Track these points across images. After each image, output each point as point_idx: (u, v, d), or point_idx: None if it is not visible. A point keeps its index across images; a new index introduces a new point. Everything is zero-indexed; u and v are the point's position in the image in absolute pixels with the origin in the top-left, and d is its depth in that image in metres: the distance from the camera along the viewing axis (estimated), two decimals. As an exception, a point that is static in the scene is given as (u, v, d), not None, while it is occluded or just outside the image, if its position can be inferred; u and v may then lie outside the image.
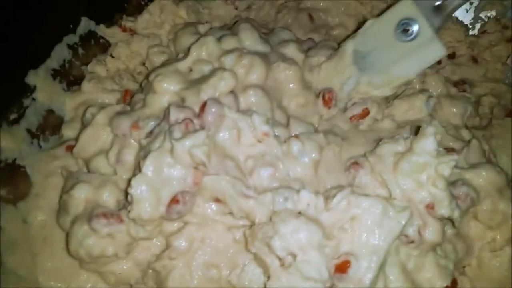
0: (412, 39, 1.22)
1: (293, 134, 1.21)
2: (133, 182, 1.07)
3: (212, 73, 1.24)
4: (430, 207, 1.06)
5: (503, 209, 1.18)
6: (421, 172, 1.06)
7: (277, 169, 1.12)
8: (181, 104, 1.22)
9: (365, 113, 1.31)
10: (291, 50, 1.39)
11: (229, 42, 1.33)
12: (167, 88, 1.24)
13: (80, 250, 1.14)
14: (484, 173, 1.19)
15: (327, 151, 1.19)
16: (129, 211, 1.07)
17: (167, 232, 1.15)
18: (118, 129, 1.24)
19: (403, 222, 1.01)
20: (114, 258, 1.15)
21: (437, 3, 1.23)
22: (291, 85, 1.33)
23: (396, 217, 1.01)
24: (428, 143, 1.06)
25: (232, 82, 1.22)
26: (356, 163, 1.17)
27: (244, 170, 1.12)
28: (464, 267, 1.22)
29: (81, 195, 1.19)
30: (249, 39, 1.35)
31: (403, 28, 1.23)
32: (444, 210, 1.05)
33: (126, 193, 1.09)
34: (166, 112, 1.18)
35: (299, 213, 1.03)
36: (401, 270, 1.05)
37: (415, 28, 1.22)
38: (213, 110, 1.14)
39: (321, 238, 0.99)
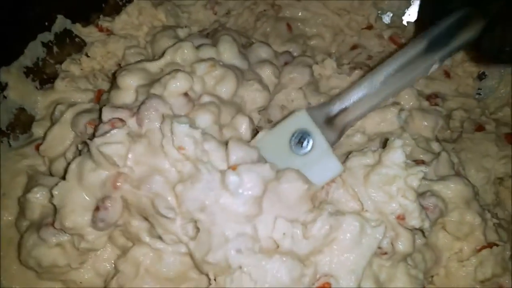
0: (307, 152, 1.13)
1: (232, 161, 1.05)
2: (53, 191, 1.06)
3: (169, 72, 1.19)
4: (401, 218, 1.07)
5: (470, 221, 1.20)
6: (391, 184, 1.07)
7: (207, 198, 1.00)
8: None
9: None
10: (266, 74, 1.39)
11: (207, 52, 1.31)
12: (130, 84, 1.20)
13: (30, 259, 1.12)
14: (452, 185, 1.21)
15: (278, 184, 1.05)
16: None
17: (119, 243, 1.12)
18: (76, 127, 1.22)
19: (380, 237, 1.02)
20: (68, 268, 1.12)
21: (329, 115, 1.17)
22: (254, 107, 1.33)
23: (373, 233, 1.02)
24: (396, 155, 1.07)
25: (185, 84, 1.15)
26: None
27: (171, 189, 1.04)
28: (432, 276, 1.23)
29: (37, 200, 1.16)
30: (227, 52, 1.33)
31: (298, 140, 1.13)
32: (414, 221, 1.06)
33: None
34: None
35: (277, 246, 1.01)
36: (374, 282, 1.06)
37: (310, 140, 1.13)
38: (148, 106, 1.09)
39: (300, 271, 1.00)
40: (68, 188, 1.06)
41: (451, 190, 1.21)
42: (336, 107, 1.17)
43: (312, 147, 1.13)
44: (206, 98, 1.20)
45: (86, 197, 1.06)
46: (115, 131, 1.03)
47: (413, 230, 1.10)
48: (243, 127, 1.24)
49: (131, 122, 1.10)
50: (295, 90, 1.46)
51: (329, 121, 1.17)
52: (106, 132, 1.04)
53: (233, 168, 1.02)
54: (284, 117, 1.19)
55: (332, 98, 1.22)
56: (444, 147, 1.36)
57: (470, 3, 1.15)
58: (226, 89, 1.24)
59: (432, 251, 1.20)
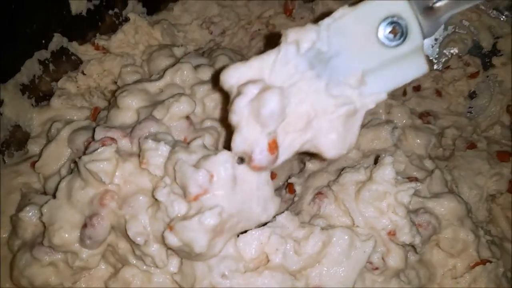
0: (396, 45, 0.88)
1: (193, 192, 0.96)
2: (42, 209, 1.06)
3: (173, 96, 1.21)
4: (392, 234, 1.10)
5: (463, 238, 1.22)
6: (381, 200, 1.09)
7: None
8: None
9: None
10: None
11: (206, 73, 1.33)
12: (130, 104, 1.22)
13: (22, 279, 1.11)
14: (445, 203, 1.23)
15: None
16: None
17: (111, 261, 1.12)
18: (73, 144, 1.23)
19: (369, 251, 1.03)
20: None
21: (431, 3, 0.89)
22: None
23: (362, 247, 1.03)
24: (386, 172, 1.09)
25: (187, 108, 1.17)
26: (320, 193, 1.19)
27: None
28: (426, 293, 1.24)
29: (29, 219, 1.15)
30: None
31: (390, 28, 0.88)
32: (405, 236, 1.08)
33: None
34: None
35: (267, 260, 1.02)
36: (367, 297, 1.07)
37: (405, 31, 0.88)
38: (141, 126, 1.11)
39: (291, 285, 1.01)
40: (57, 206, 1.07)
41: (444, 207, 1.23)
42: None
43: (404, 39, 0.88)
44: (207, 123, 1.22)
45: (75, 215, 1.06)
46: (102, 148, 1.04)
47: (404, 246, 1.11)
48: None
49: (124, 141, 1.12)
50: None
51: (429, 10, 0.90)
52: (95, 150, 1.05)
53: (170, 228, 0.93)
54: None
55: None
56: (437, 164, 1.38)
57: None
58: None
59: (426, 268, 1.21)
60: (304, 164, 1.35)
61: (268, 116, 0.84)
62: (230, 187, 0.93)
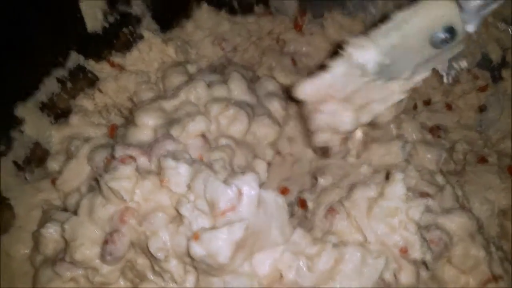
0: (446, 45, 1.03)
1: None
2: (65, 225, 1.09)
3: (188, 114, 1.25)
4: (403, 251, 1.10)
5: (474, 254, 1.22)
6: (393, 217, 1.11)
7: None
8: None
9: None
10: (275, 107, 1.45)
11: (219, 90, 1.37)
12: (147, 122, 1.26)
13: None
14: (456, 219, 1.24)
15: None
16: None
17: (130, 277, 1.14)
18: (93, 162, 1.26)
19: (381, 268, 1.05)
20: None
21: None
22: (265, 142, 1.38)
23: (374, 264, 1.05)
24: (397, 188, 1.11)
25: (202, 126, 1.22)
26: (332, 209, 1.21)
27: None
28: (438, 310, 1.25)
29: (51, 235, 1.19)
30: (237, 89, 1.40)
31: (443, 36, 1.01)
32: (416, 253, 1.09)
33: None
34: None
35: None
36: (381, 314, 1.08)
37: (454, 34, 1.01)
38: (160, 145, 1.14)
39: None
40: (78, 222, 1.10)
41: (455, 223, 1.23)
42: None
43: (453, 39, 1.02)
44: (222, 141, 1.24)
45: (96, 231, 1.09)
46: (123, 167, 1.07)
47: (416, 263, 1.12)
48: (261, 171, 1.29)
49: (142, 159, 1.15)
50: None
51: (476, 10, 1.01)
52: (115, 168, 1.08)
53: (195, 237, 0.97)
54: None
55: None
56: (448, 180, 1.39)
57: None
58: (239, 128, 1.29)
59: (438, 284, 1.21)
60: (316, 179, 1.37)
61: (343, 131, 1.15)
62: (255, 206, 0.98)
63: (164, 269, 1.05)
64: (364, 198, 1.17)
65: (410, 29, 1.01)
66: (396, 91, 1.09)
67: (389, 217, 1.11)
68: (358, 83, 1.06)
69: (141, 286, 1.12)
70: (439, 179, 1.38)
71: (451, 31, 1.01)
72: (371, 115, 1.15)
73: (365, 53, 1.02)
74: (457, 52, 1.07)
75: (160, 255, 1.02)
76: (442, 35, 1.01)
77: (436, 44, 1.02)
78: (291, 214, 1.34)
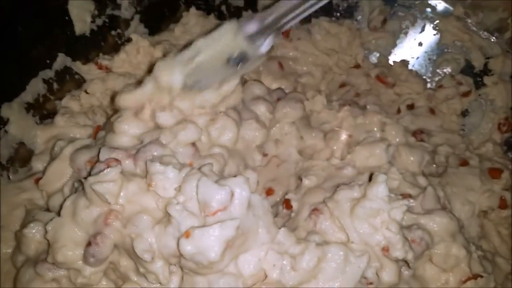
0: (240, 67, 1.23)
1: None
2: (47, 226, 1.09)
3: (179, 122, 1.24)
4: (385, 250, 1.13)
5: (455, 253, 1.24)
6: (375, 217, 1.12)
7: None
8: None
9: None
10: (261, 110, 1.46)
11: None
12: (125, 130, 1.23)
13: None
14: (438, 219, 1.26)
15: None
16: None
17: (113, 278, 1.14)
18: (74, 163, 1.25)
19: (363, 266, 1.06)
20: None
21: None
22: (253, 145, 1.39)
23: (357, 262, 1.07)
24: (380, 189, 1.13)
25: (194, 135, 1.21)
26: (316, 209, 1.23)
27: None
28: (419, 308, 1.26)
29: (33, 235, 1.18)
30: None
31: (237, 60, 1.21)
32: (398, 252, 1.11)
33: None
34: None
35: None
36: (363, 313, 1.09)
37: (246, 59, 1.22)
38: (146, 149, 1.14)
39: None
40: (61, 223, 1.09)
41: (437, 223, 1.26)
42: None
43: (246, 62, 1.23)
44: (215, 150, 1.26)
45: (79, 233, 1.08)
46: (108, 170, 1.07)
47: (398, 262, 1.14)
48: (251, 181, 1.28)
49: (128, 162, 1.15)
50: (288, 124, 1.52)
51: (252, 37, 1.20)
52: (101, 171, 1.08)
53: (186, 234, 0.99)
54: (214, 32, 1.21)
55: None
56: (430, 181, 1.41)
57: None
58: (228, 137, 1.30)
59: (419, 283, 1.23)
60: (301, 180, 1.38)
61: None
62: (245, 207, 1.01)
63: (149, 270, 1.05)
64: (348, 198, 1.19)
65: (209, 54, 1.20)
66: (211, 98, 1.26)
67: (371, 217, 1.13)
68: (168, 98, 1.22)
69: (124, 287, 1.12)
70: (421, 180, 1.40)
71: (243, 55, 1.20)
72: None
73: (170, 75, 1.19)
74: (258, 63, 1.32)
75: (147, 256, 1.02)
76: (236, 59, 1.20)
77: (233, 65, 1.21)
78: (276, 214, 1.35)
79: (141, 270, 1.07)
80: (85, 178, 1.09)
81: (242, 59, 1.21)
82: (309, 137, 1.53)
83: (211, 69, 1.22)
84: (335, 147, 1.51)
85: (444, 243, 1.25)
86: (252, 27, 1.18)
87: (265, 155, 1.50)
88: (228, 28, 1.19)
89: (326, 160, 1.44)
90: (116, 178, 1.06)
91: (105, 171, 1.07)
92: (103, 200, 1.05)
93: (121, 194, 1.07)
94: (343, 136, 1.54)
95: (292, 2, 1.15)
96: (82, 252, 1.07)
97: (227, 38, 1.19)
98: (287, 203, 1.33)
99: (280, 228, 1.10)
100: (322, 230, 1.20)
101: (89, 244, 1.06)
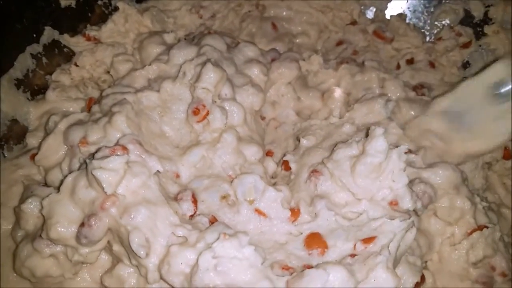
0: (504, 102, 1.20)
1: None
2: (43, 202, 1.07)
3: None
4: (394, 204, 1.08)
5: (460, 206, 1.23)
6: (377, 172, 1.09)
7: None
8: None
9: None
10: (255, 73, 1.42)
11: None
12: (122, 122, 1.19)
13: (23, 269, 1.12)
14: (440, 172, 1.24)
15: None
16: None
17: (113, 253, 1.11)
18: (67, 140, 1.23)
19: None
20: (62, 278, 1.13)
21: None
22: (252, 111, 1.36)
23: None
24: (378, 143, 1.09)
25: None
26: (315, 171, 1.19)
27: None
28: (426, 262, 1.25)
29: (31, 210, 1.16)
30: (213, 82, 1.28)
31: (497, 90, 1.21)
32: (408, 203, 1.07)
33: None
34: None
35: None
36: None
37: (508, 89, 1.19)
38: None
39: None
40: (57, 200, 1.07)
41: (440, 176, 1.23)
42: None
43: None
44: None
45: (74, 211, 1.06)
46: (112, 158, 1.04)
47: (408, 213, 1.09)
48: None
49: (137, 151, 1.12)
50: (285, 85, 1.49)
51: None
52: (105, 157, 1.05)
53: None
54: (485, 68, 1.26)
55: None
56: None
57: None
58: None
59: (425, 237, 1.22)
60: (299, 141, 1.36)
61: None
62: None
63: (141, 264, 1.02)
64: (346, 157, 1.15)
65: (470, 87, 1.28)
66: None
67: (373, 173, 1.09)
68: None
69: (118, 267, 1.09)
70: (423, 135, 1.37)
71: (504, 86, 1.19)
72: None
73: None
74: None
75: (142, 252, 0.99)
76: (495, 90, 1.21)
77: (492, 99, 1.22)
78: (275, 175, 1.33)
79: (134, 262, 1.04)
80: (90, 159, 1.07)
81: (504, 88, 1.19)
82: (307, 97, 1.51)
83: (472, 99, 1.24)
84: (333, 106, 1.48)
85: (448, 196, 1.23)
86: None
87: (262, 118, 1.47)
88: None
89: (325, 119, 1.41)
90: (119, 167, 1.03)
91: (110, 158, 1.03)
92: (101, 187, 1.02)
93: (123, 184, 1.04)
94: (341, 94, 1.51)
95: None
96: (76, 230, 1.05)
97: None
98: (285, 165, 1.30)
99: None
100: (324, 192, 1.16)
101: (82, 224, 1.04)
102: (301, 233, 1.09)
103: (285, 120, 1.47)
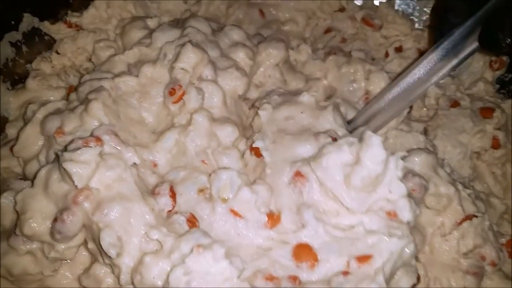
0: None
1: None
2: (17, 197, 1.04)
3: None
4: (392, 214, 1.01)
5: (445, 192, 1.22)
6: (374, 184, 1.01)
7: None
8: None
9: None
10: (240, 57, 1.38)
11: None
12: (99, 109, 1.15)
13: (0, 268, 1.08)
14: (416, 159, 1.24)
15: None
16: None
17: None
18: (44, 130, 1.19)
19: None
20: (41, 276, 1.09)
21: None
22: (235, 95, 1.33)
23: None
24: (376, 153, 1.00)
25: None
26: (299, 174, 1.08)
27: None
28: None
29: (7, 205, 1.12)
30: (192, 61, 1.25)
31: None
32: (407, 215, 1.00)
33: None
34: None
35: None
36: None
37: None
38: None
39: None
40: (31, 194, 1.04)
41: (417, 162, 1.23)
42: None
43: None
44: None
45: (49, 206, 1.03)
46: (84, 150, 1.00)
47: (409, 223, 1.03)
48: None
49: (113, 142, 1.07)
50: (272, 67, 1.46)
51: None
52: (77, 149, 1.01)
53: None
54: None
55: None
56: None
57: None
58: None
59: (419, 232, 1.20)
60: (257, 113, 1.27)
61: None
62: None
63: (115, 264, 0.98)
64: (338, 165, 1.04)
65: None
66: None
67: (370, 185, 1.01)
68: None
69: (95, 266, 1.06)
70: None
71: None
72: None
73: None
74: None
75: (113, 252, 0.95)
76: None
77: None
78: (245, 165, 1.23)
79: (106, 261, 1.01)
80: (61, 151, 1.03)
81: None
82: (292, 80, 1.48)
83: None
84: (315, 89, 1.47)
85: (432, 180, 1.22)
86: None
87: (245, 99, 1.43)
88: None
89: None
90: (91, 160, 0.99)
91: (81, 150, 0.99)
92: (71, 180, 0.98)
93: (96, 178, 1.00)
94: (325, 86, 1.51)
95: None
96: (50, 226, 1.02)
97: None
98: (256, 151, 1.17)
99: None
100: (312, 200, 1.05)
101: (55, 219, 1.01)
102: (287, 243, 1.02)
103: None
